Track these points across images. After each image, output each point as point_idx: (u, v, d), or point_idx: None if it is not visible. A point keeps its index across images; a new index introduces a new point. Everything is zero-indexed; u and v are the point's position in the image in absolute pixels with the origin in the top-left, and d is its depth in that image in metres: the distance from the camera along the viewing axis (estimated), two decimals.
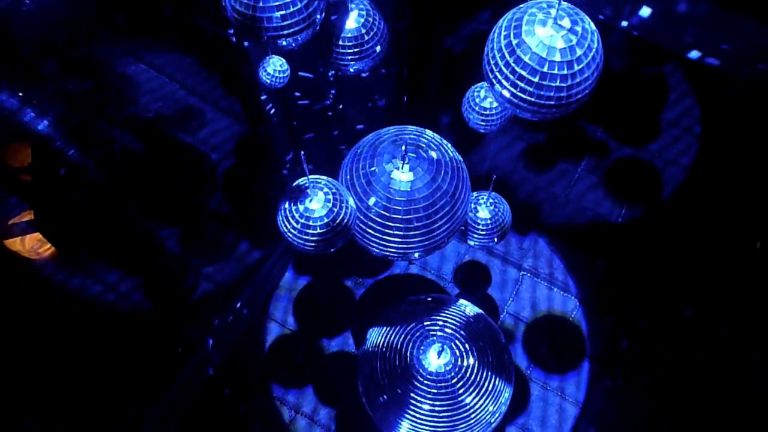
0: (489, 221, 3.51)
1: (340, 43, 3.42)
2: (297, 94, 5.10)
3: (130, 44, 6.31)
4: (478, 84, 3.51)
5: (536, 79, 2.23)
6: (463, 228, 3.55)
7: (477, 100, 3.55)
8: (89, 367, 5.36)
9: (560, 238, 6.00)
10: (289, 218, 2.81)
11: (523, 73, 2.22)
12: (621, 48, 6.20)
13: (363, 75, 5.25)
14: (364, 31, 3.41)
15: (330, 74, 4.97)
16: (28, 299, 5.41)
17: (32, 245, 5.43)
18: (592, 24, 2.32)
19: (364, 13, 3.40)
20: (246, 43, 4.36)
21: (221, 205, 6.07)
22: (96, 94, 5.92)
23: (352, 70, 3.57)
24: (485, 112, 3.55)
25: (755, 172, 6.00)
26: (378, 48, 3.52)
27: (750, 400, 5.22)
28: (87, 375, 5.33)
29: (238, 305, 5.65)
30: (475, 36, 6.54)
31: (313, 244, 2.82)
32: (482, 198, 3.53)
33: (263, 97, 5.10)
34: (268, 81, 3.26)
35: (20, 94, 4.88)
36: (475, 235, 3.55)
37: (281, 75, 3.27)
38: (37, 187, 5.24)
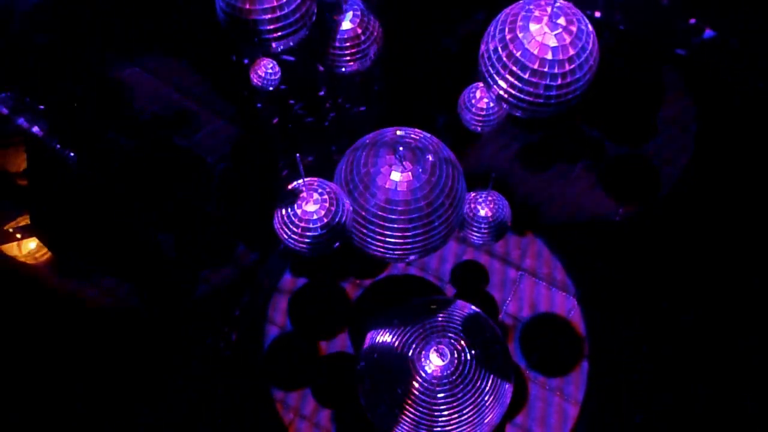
0: (490, 219, 3.50)
1: (337, 44, 3.43)
2: (292, 102, 5.11)
3: (124, 48, 6.30)
4: (474, 84, 3.52)
5: (526, 76, 2.23)
6: (461, 229, 3.55)
7: (473, 101, 3.57)
8: (86, 369, 5.35)
9: (558, 238, 5.99)
10: (288, 224, 2.80)
11: (514, 68, 2.22)
12: (614, 46, 6.21)
13: (357, 78, 5.25)
14: (360, 31, 3.42)
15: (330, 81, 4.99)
16: (25, 303, 5.40)
17: (29, 250, 5.43)
18: (590, 25, 2.31)
19: (359, 13, 3.41)
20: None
21: (218, 207, 6.06)
22: (91, 97, 5.91)
23: (348, 70, 3.57)
24: (481, 113, 3.56)
25: (752, 170, 6.01)
26: (374, 48, 3.52)
27: (750, 398, 5.22)
28: (83, 377, 5.31)
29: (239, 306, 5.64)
30: (470, 36, 6.54)
31: (313, 245, 2.81)
32: (481, 197, 3.53)
33: (258, 105, 5.10)
34: (260, 83, 3.28)
35: (14, 98, 4.86)
36: (477, 234, 3.54)
37: (272, 77, 3.28)
38: (32, 191, 5.23)
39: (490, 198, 3.52)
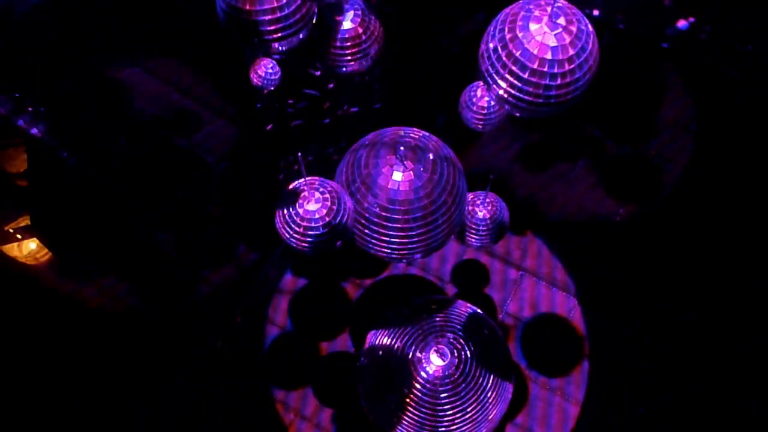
0: (488, 221, 3.51)
1: (338, 44, 3.43)
2: (291, 101, 5.11)
3: (124, 48, 6.30)
4: (475, 83, 3.52)
5: (526, 75, 2.23)
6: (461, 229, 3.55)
7: (474, 99, 3.56)
8: (86, 369, 5.34)
9: (559, 238, 5.99)
10: (289, 223, 2.79)
11: (514, 68, 2.22)
12: (614, 46, 6.21)
13: (357, 78, 5.25)
14: (361, 30, 3.42)
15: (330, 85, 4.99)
16: (25, 303, 5.39)
17: (29, 250, 5.43)
18: (590, 25, 2.31)
19: (360, 12, 3.42)
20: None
21: (218, 207, 6.05)
22: (91, 98, 5.91)
23: (348, 70, 3.57)
24: (482, 111, 3.56)
25: (753, 170, 6.00)
26: (375, 47, 3.52)
27: (751, 399, 5.22)
28: (83, 377, 5.31)
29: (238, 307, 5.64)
30: (470, 36, 6.54)
31: (315, 245, 2.81)
32: (479, 198, 3.53)
33: (258, 105, 5.10)
34: (260, 83, 3.28)
35: (14, 98, 4.86)
36: (475, 236, 3.55)
37: (272, 77, 3.29)
38: (32, 192, 5.23)
39: (488, 200, 3.53)
